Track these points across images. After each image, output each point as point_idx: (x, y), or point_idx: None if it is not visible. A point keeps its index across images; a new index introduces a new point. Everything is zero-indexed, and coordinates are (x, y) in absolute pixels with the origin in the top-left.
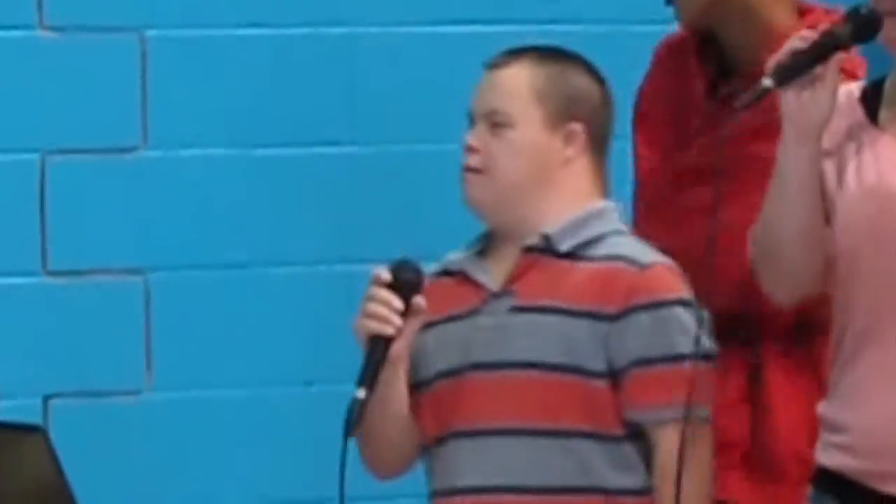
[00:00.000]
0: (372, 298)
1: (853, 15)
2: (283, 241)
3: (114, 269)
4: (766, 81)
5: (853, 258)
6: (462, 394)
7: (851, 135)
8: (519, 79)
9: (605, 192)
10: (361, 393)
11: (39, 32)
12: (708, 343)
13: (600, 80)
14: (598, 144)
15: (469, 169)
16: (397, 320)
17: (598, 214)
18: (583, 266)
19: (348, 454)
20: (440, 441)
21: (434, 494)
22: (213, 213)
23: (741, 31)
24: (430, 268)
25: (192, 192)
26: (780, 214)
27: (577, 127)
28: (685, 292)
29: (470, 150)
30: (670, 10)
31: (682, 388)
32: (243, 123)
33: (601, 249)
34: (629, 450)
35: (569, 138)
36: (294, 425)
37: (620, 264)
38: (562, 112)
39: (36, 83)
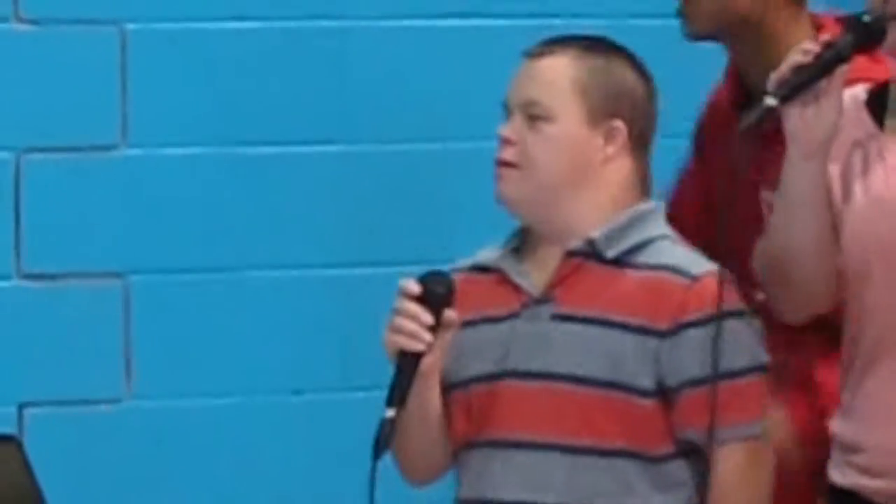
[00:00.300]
0: (400, 312)
1: (854, 24)
2: (270, 244)
3: (92, 273)
4: (770, 100)
5: (864, 270)
6: (497, 401)
7: (858, 143)
8: (560, 70)
9: (648, 192)
10: (391, 412)
11: (14, 25)
12: (762, 355)
13: (646, 77)
14: (641, 143)
15: (503, 163)
16: (427, 336)
17: (643, 217)
18: (629, 274)
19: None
20: (470, 446)
21: (462, 503)
22: (196, 214)
23: (755, 49)
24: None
25: (174, 193)
26: (788, 229)
27: (619, 124)
28: (737, 302)
29: (505, 142)
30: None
31: (740, 405)
32: (228, 120)
33: (648, 257)
34: (673, 468)
35: (610, 135)
36: (281, 436)
37: (669, 275)
38: (604, 107)
39: (11, 78)
